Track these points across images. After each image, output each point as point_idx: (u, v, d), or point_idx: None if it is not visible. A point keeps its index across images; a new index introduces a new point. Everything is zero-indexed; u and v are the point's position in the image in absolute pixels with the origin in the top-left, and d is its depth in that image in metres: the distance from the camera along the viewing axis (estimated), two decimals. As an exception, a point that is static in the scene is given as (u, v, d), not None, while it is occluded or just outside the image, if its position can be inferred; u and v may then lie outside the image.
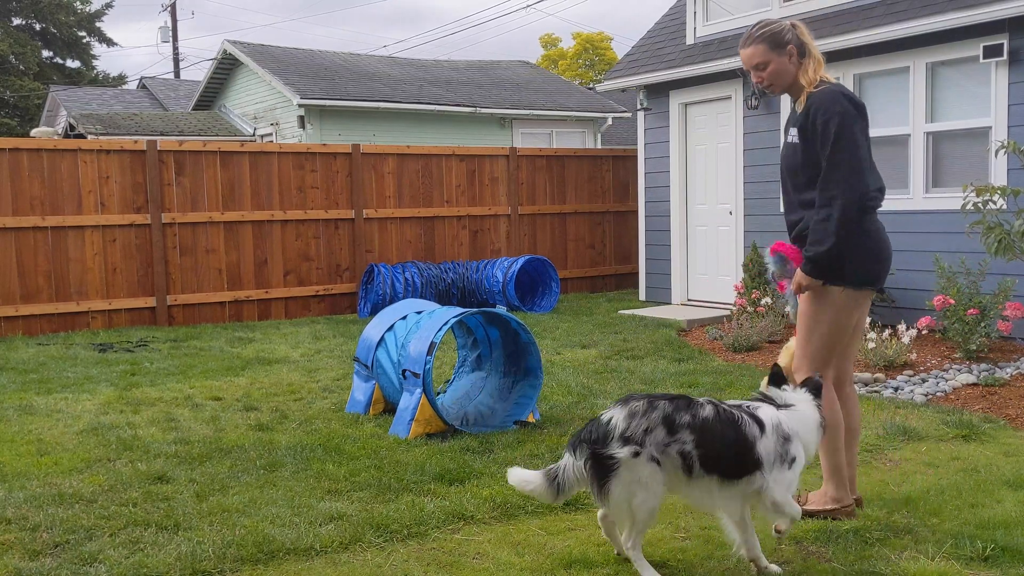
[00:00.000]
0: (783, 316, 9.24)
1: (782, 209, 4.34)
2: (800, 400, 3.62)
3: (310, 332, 10.05)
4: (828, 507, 4.05)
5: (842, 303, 3.94)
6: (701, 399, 3.52)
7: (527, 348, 5.94)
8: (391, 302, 10.72)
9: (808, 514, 4.02)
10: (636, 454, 3.33)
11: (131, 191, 10.60)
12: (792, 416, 3.53)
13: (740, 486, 3.43)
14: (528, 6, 49.29)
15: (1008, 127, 8.20)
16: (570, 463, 3.43)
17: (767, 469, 3.41)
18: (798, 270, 3.92)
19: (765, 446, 3.42)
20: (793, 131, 3.96)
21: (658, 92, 11.98)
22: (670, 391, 6.75)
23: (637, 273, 12.90)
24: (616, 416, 3.40)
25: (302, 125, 16.88)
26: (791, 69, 3.96)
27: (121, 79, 38.25)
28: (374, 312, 10.92)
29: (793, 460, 3.47)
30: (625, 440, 3.34)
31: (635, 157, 13.19)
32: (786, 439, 3.46)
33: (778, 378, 3.73)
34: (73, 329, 10.27)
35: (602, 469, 3.36)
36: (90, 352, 8.84)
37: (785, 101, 10.21)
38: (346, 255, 11.89)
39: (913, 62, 8.97)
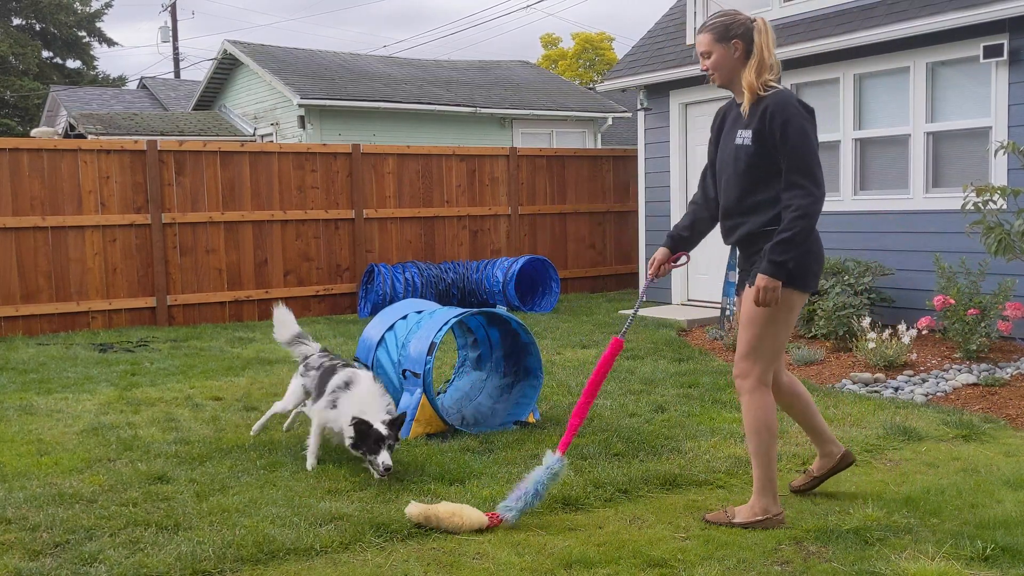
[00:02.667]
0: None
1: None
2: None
3: (310, 332, 10.00)
4: (756, 518, 3.99)
5: (794, 306, 3.96)
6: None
7: (527, 348, 5.94)
8: (391, 302, 10.72)
9: (733, 526, 3.99)
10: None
11: (131, 191, 10.60)
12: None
13: None
14: (528, 6, 49.33)
15: (1008, 127, 8.20)
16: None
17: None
18: (760, 274, 3.81)
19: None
20: (745, 134, 3.91)
21: (658, 92, 11.98)
22: (670, 391, 6.76)
23: (637, 273, 12.90)
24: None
25: (302, 125, 16.89)
26: (735, 64, 3.94)
27: (122, 80, 38.27)
28: (374, 312, 10.92)
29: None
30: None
31: (635, 157, 13.19)
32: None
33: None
34: (73, 329, 10.27)
35: None
36: (90, 352, 8.84)
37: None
38: (346, 255, 11.89)
39: (913, 62, 8.97)
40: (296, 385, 5.48)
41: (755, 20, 3.96)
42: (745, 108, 3.92)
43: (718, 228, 4.30)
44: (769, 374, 4.02)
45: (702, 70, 4.06)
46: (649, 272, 4.31)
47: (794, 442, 5.30)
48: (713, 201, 4.23)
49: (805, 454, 5.05)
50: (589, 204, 13.81)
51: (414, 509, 4.03)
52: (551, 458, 4.16)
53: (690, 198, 12.34)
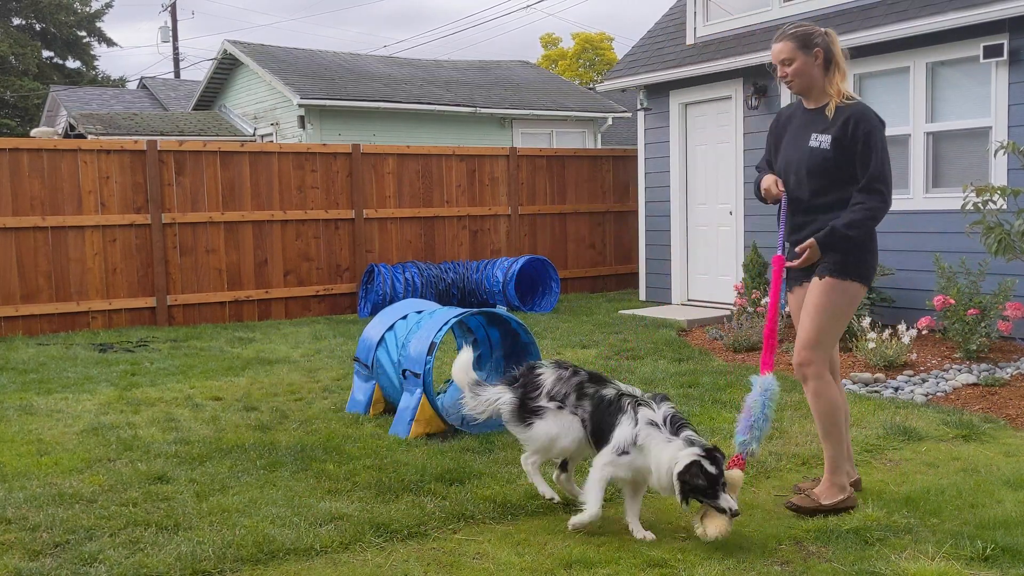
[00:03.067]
0: (783, 316, 9.24)
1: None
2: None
3: (310, 332, 10.05)
4: (840, 498, 4.16)
5: (856, 298, 4.22)
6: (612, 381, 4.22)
7: (527, 348, 5.94)
8: (391, 302, 10.72)
9: (823, 511, 4.11)
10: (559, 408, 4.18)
11: (131, 191, 10.60)
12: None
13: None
14: (528, 6, 49.27)
15: (1008, 127, 8.20)
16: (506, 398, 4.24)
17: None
18: (815, 239, 4.13)
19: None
20: (823, 138, 4.16)
21: (658, 92, 11.98)
22: (670, 391, 6.76)
23: (637, 273, 12.90)
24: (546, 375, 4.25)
25: (302, 125, 16.88)
26: (814, 72, 4.21)
27: (122, 80, 38.28)
28: (374, 312, 10.92)
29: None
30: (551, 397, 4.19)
31: (635, 157, 13.19)
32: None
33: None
34: (73, 329, 10.27)
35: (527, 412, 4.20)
36: (90, 352, 8.84)
37: (785, 102, 10.20)
38: (346, 255, 11.89)
39: (913, 62, 8.97)
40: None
41: (828, 32, 4.26)
42: (830, 111, 4.17)
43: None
44: (827, 362, 4.24)
45: (780, 76, 4.28)
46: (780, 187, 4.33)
47: (794, 443, 5.30)
48: None
49: (805, 454, 5.05)
50: (589, 204, 13.81)
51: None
52: (762, 380, 4.16)
53: (690, 198, 12.28)
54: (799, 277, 4.35)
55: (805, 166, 4.19)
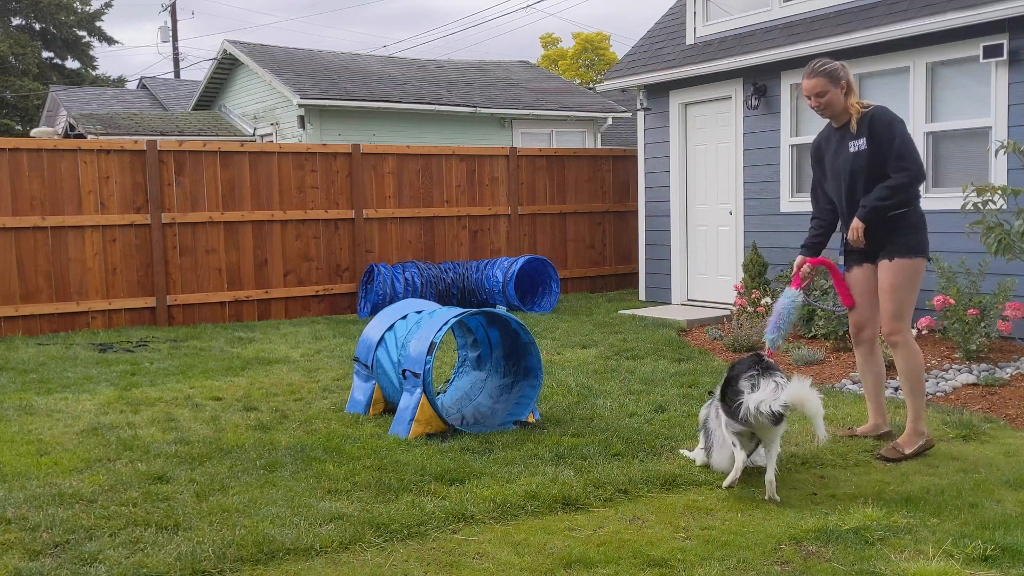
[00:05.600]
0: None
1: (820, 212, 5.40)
2: None
3: (310, 332, 10.05)
4: (920, 444, 4.91)
5: (921, 271, 4.95)
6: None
7: (527, 348, 5.94)
8: (391, 302, 10.72)
9: (908, 458, 4.85)
10: None
11: (131, 191, 10.60)
12: None
13: None
14: (528, 6, 49.22)
15: (1008, 127, 8.20)
16: None
17: None
18: (855, 220, 4.93)
19: None
20: (858, 142, 4.93)
21: (658, 92, 11.98)
22: (670, 391, 6.76)
23: (637, 273, 12.90)
24: None
25: (302, 125, 16.88)
26: (841, 100, 5.00)
27: (121, 80, 38.29)
28: (374, 312, 10.92)
29: None
30: None
31: (635, 157, 13.19)
32: None
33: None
34: (73, 329, 10.27)
35: None
36: (90, 352, 8.84)
37: (785, 102, 10.22)
38: (346, 255, 11.89)
39: (913, 62, 8.97)
40: None
41: (844, 65, 5.04)
42: (854, 123, 4.96)
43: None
44: (910, 329, 5.00)
45: (813, 106, 5.05)
46: (797, 280, 5.18)
47: (793, 443, 5.30)
48: (829, 210, 5.26)
49: (805, 454, 5.05)
50: (589, 204, 13.81)
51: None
52: (790, 291, 5.07)
53: (690, 198, 12.28)
54: (858, 259, 5.11)
55: (851, 167, 4.96)
